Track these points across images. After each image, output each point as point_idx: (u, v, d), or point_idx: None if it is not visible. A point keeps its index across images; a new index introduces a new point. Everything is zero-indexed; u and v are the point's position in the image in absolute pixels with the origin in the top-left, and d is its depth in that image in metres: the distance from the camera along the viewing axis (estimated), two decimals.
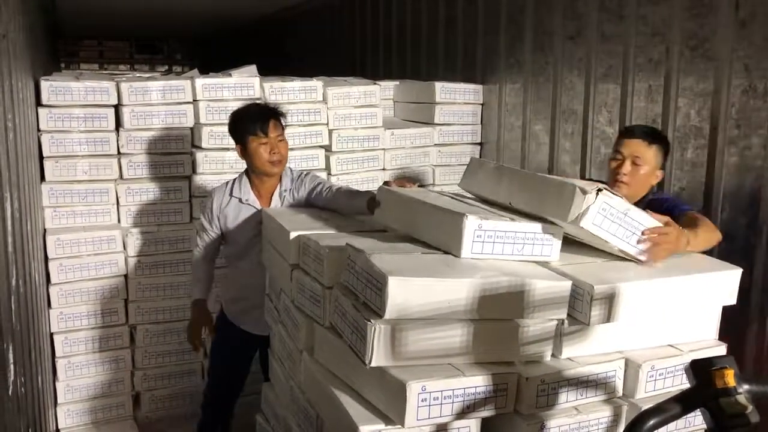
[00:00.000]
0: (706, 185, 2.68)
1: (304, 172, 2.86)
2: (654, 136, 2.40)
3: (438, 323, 1.66)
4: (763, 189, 2.46)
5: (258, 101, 2.81)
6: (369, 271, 1.66)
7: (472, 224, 1.76)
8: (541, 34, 3.57)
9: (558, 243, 1.86)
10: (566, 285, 1.73)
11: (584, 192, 1.76)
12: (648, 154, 2.35)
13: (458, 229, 1.76)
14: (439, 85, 3.91)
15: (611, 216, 1.80)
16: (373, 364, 1.63)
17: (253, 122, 2.67)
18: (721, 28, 2.59)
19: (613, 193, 1.81)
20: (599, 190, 1.77)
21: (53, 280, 3.22)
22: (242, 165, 3.52)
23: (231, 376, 2.92)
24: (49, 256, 3.19)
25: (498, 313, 1.69)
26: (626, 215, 1.82)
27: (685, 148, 2.77)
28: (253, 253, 2.75)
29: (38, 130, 3.22)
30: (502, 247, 1.81)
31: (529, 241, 1.83)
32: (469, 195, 2.20)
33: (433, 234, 1.91)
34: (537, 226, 1.84)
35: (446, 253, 1.83)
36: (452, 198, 2.10)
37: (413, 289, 1.61)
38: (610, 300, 1.71)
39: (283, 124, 2.76)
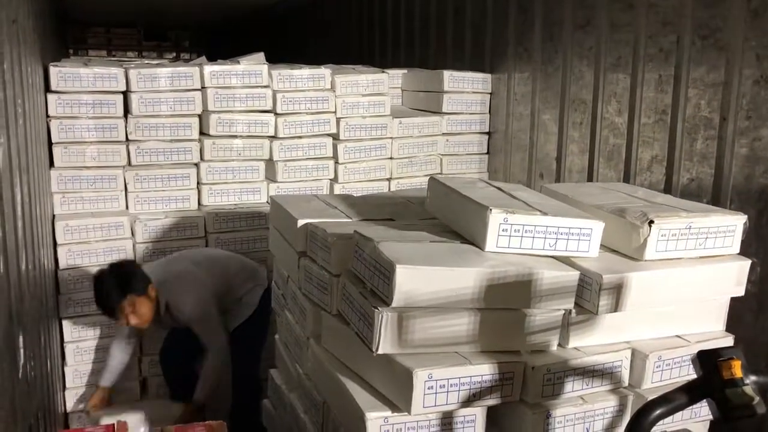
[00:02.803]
0: (715, 176, 2.66)
1: (174, 297, 2.95)
2: None
3: (445, 312, 1.66)
4: None
5: (103, 285, 2.84)
6: (377, 259, 1.67)
7: (496, 218, 1.71)
8: (550, 23, 3.54)
9: (597, 238, 1.79)
10: (574, 275, 1.73)
11: (637, 225, 1.76)
12: None
13: (483, 222, 1.73)
14: (447, 74, 3.89)
15: (674, 237, 1.79)
16: (380, 352, 1.63)
17: None
18: (732, 17, 2.57)
19: (668, 215, 1.79)
20: (651, 221, 1.76)
21: (62, 265, 3.24)
22: (249, 152, 3.56)
23: (177, 350, 3.25)
24: (58, 241, 3.21)
25: (505, 303, 1.69)
26: (690, 228, 1.80)
27: (695, 139, 2.75)
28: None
29: (47, 116, 3.23)
30: (532, 242, 1.75)
31: (563, 235, 1.76)
32: (523, 187, 2.16)
33: (464, 226, 1.87)
34: (571, 221, 1.77)
35: (464, 242, 1.81)
36: (495, 189, 2.02)
37: (420, 277, 1.61)
38: (618, 290, 1.71)
39: (124, 305, 2.81)
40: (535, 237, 1.76)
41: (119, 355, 3.19)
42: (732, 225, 1.89)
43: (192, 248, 3.42)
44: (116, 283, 2.79)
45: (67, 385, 3.34)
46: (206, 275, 3.05)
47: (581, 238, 1.79)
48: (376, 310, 1.62)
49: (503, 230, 1.74)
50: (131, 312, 2.82)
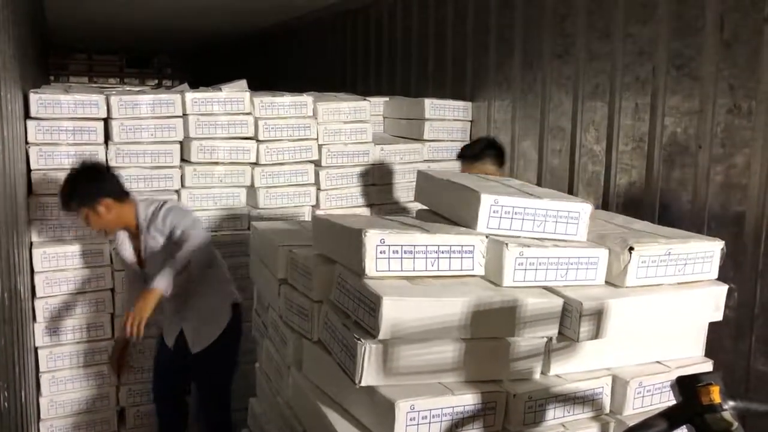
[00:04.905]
0: (692, 203, 2.70)
1: (166, 207, 2.87)
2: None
3: (429, 342, 1.66)
4: (748, 206, 2.49)
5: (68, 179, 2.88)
6: (361, 291, 1.66)
7: (512, 253, 1.74)
8: (529, 52, 3.60)
9: (604, 265, 1.83)
10: (558, 302, 1.73)
11: (617, 252, 1.79)
12: None
13: (499, 258, 1.75)
14: (428, 102, 3.94)
15: (653, 263, 1.81)
16: (363, 384, 1.62)
17: None
18: (705, 48, 2.63)
19: (648, 241, 1.82)
20: (631, 248, 1.78)
21: (39, 293, 3.19)
22: (230, 179, 3.55)
23: (166, 376, 3.10)
24: (35, 269, 3.16)
25: (490, 331, 1.69)
26: (669, 255, 1.83)
27: (671, 166, 2.80)
28: (139, 281, 2.94)
29: (26, 142, 3.21)
30: (545, 274, 1.78)
31: (573, 265, 1.80)
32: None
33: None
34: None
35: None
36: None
37: (407, 308, 1.60)
38: (598, 316, 1.72)
39: (76, 207, 2.83)
40: (548, 269, 1.79)
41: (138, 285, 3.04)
42: (710, 251, 1.92)
43: None
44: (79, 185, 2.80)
45: (42, 417, 3.27)
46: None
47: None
48: (359, 341, 1.61)
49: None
50: (83, 217, 2.83)
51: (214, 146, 3.50)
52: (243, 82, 3.87)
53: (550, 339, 1.76)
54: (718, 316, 1.94)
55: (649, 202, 2.88)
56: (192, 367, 3.05)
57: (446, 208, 2.03)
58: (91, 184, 2.81)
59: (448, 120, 4.00)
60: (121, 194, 2.88)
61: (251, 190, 3.61)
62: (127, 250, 3.00)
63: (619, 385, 1.80)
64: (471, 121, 4.06)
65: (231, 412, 3.13)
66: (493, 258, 1.77)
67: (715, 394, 1.25)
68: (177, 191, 3.48)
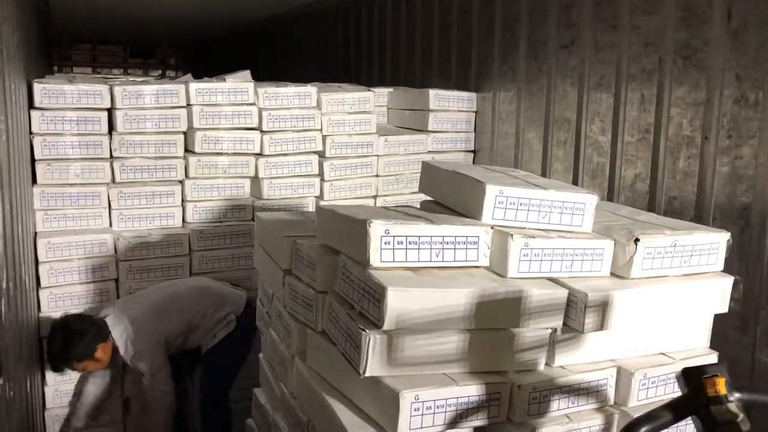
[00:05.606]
0: (697, 195, 2.69)
1: (130, 345, 2.97)
2: None
3: (433, 333, 1.65)
4: (754, 198, 2.48)
5: (55, 343, 2.95)
6: (366, 282, 1.66)
7: (517, 244, 1.73)
8: (534, 43, 3.58)
9: (609, 257, 1.83)
10: (563, 293, 1.73)
11: (623, 243, 1.78)
12: None
13: (504, 249, 1.75)
14: (432, 93, 3.92)
15: (659, 255, 1.80)
16: (367, 374, 1.62)
17: None
18: (713, 38, 2.61)
19: (654, 233, 1.81)
20: (636, 239, 1.77)
21: (43, 283, 3.19)
22: (234, 169, 3.55)
23: (172, 367, 3.11)
24: (40, 259, 3.17)
25: (495, 322, 1.69)
26: (675, 246, 1.82)
27: (677, 157, 2.79)
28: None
29: (30, 132, 3.21)
30: (550, 265, 1.78)
31: (578, 257, 1.79)
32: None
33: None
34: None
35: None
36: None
37: (412, 299, 1.60)
38: (603, 307, 1.71)
39: (76, 364, 2.95)
40: (553, 260, 1.78)
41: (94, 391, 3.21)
42: (716, 242, 1.91)
43: (177, 264, 3.40)
44: (61, 348, 2.89)
45: (47, 406, 3.28)
46: (162, 321, 3.02)
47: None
48: (363, 332, 1.61)
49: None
50: (81, 368, 3.00)
51: (218, 137, 3.49)
52: (247, 73, 3.86)
53: (554, 330, 1.76)
54: (724, 308, 1.94)
55: (655, 194, 2.87)
56: (200, 359, 3.13)
57: (451, 199, 2.02)
58: (83, 338, 2.88)
59: (452, 111, 3.98)
60: (106, 333, 2.93)
61: (255, 180, 3.61)
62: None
63: (623, 376, 1.80)
64: (476, 112, 4.04)
65: (231, 403, 3.16)
66: (498, 249, 1.76)
67: (721, 385, 1.25)
68: (181, 181, 3.48)
